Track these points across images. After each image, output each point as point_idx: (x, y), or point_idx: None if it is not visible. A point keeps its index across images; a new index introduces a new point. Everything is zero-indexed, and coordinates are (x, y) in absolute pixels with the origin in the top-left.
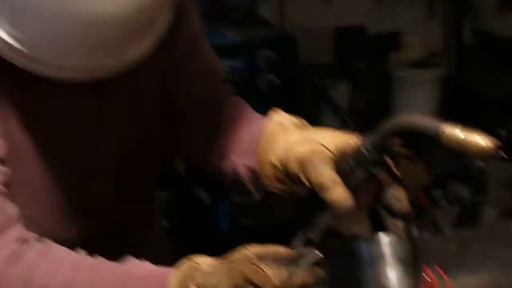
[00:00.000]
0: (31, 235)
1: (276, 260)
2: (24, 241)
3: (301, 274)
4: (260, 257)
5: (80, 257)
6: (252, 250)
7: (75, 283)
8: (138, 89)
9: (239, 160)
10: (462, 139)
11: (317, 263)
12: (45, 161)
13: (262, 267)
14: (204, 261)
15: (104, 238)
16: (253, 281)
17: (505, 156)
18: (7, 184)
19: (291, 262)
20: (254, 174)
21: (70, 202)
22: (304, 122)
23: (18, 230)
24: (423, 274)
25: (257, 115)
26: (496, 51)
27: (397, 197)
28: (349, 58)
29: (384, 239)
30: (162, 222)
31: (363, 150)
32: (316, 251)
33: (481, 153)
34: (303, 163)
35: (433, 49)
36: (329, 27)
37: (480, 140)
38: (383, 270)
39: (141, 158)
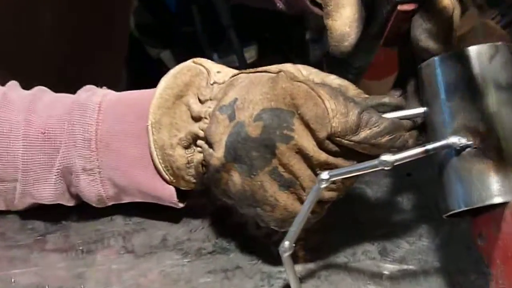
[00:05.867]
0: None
1: (332, 90)
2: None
3: (374, 118)
4: (315, 83)
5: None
6: (301, 68)
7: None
8: None
9: None
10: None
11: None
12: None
13: (323, 97)
14: (213, 66)
15: None
16: (304, 113)
17: None
18: None
19: (349, 97)
20: None
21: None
22: None
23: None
24: None
25: None
26: None
27: (428, 30)
28: None
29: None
30: None
31: None
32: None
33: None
34: None
35: None
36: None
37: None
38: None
39: None
